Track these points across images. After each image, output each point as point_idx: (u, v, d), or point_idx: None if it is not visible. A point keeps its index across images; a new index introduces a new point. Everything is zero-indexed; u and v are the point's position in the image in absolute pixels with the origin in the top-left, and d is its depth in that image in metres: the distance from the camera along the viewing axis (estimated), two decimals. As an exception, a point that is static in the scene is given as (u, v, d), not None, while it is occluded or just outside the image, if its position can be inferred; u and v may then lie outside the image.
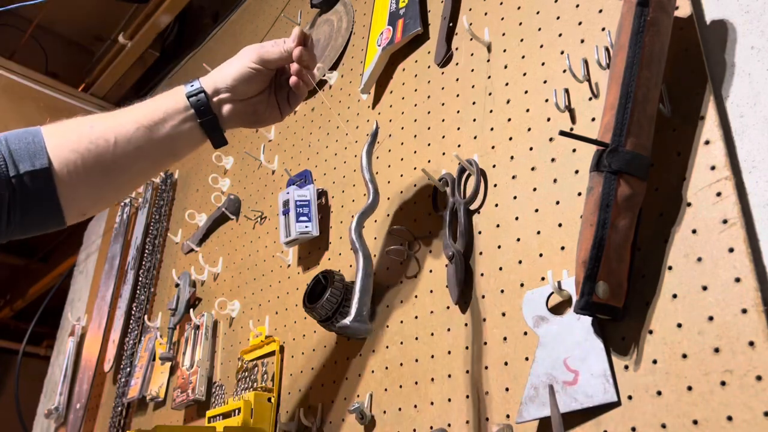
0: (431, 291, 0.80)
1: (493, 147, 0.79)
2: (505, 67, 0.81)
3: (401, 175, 0.92)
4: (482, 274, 0.74)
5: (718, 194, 0.55)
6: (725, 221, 0.54)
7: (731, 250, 0.53)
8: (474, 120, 0.83)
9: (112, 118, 0.76)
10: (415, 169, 0.90)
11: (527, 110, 0.76)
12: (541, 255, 0.68)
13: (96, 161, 0.73)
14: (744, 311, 0.51)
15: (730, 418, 0.49)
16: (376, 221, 0.93)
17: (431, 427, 0.74)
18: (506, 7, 0.84)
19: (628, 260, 0.57)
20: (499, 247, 0.73)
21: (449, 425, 0.72)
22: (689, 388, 0.53)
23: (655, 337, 0.56)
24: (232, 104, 0.78)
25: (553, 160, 0.71)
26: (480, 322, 0.72)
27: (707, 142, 0.58)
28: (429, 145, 0.89)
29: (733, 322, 0.51)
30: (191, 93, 0.77)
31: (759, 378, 0.49)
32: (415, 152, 0.91)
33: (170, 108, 0.76)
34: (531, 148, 0.74)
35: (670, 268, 0.57)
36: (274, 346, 1.01)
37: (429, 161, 0.88)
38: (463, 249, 0.76)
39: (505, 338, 0.69)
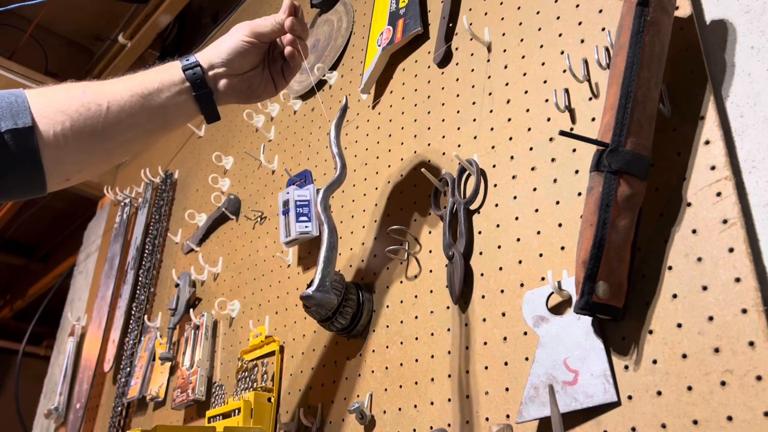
0: (431, 291, 0.80)
1: (493, 147, 0.79)
2: (505, 67, 0.81)
3: (401, 175, 0.92)
4: (482, 274, 0.74)
5: (718, 194, 0.55)
6: (725, 221, 0.54)
7: (731, 250, 0.53)
8: (474, 120, 0.83)
9: (105, 85, 0.75)
10: (415, 169, 0.90)
11: (527, 110, 0.76)
12: (541, 255, 0.68)
13: (86, 125, 0.72)
14: (744, 311, 0.51)
15: (730, 418, 0.49)
16: (376, 221, 0.93)
17: (431, 427, 0.74)
18: (506, 7, 0.84)
19: (628, 260, 0.57)
20: (499, 247, 0.73)
21: (449, 425, 0.72)
22: (689, 388, 0.53)
23: (655, 337, 0.56)
24: (227, 79, 0.79)
25: (553, 160, 0.71)
26: (480, 322, 0.72)
27: (707, 142, 0.58)
28: (429, 145, 0.89)
29: (733, 322, 0.51)
30: (187, 66, 0.78)
31: (759, 378, 0.49)
32: (415, 152, 0.91)
33: (165, 79, 0.76)
34: (531, 148, 0.74)
35: (670, 268, 0.57)
36: (274, 346, 1.01)
37: (429, 161, 0.88)
38: (463, 249, 0.76)
39: (505, 338, 0.69)
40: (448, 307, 0.77)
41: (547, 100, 0.74)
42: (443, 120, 0.88)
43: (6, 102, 0.69)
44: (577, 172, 0.68)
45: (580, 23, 0.73)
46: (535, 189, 0.72)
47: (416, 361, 0.79)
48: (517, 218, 0.73)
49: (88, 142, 0.73)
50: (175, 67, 0.78)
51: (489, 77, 0.83)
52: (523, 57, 0.79)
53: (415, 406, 0.76)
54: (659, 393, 0.54)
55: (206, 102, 0.78)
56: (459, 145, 0.84)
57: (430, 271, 0.81)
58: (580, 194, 0.67)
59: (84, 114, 0.72)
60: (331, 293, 0.75)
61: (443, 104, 0.89)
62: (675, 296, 0.56)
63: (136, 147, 0.80)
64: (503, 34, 0.83)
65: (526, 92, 0.77)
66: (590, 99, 0.69)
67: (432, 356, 0.77)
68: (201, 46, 1.76)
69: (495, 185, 0.77)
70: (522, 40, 0.80)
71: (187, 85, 0.77)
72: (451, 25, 0.92)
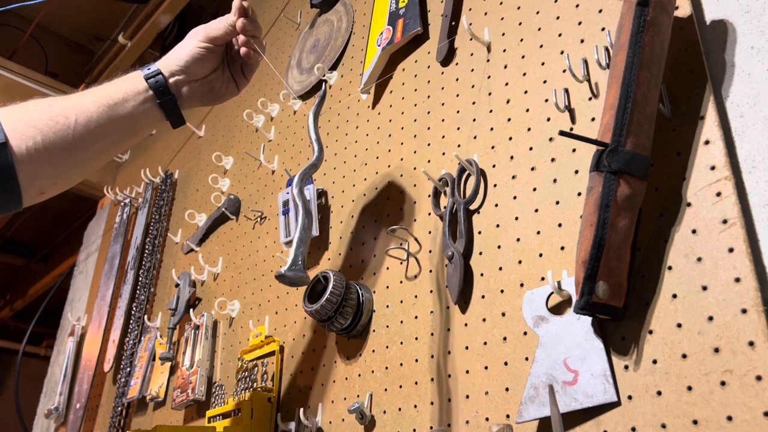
0: (431, 291, 0.80)
1: (493, 147, 0.79)
2: (505, 67, 0.81)
3: (401, 175, 0.92)
4: (482, 274, 0.74)
5: (718, 194, 0.55)
6: (725, 221, 0.54)
7: (731, 250, 0.53)
8: (474, 120, 0.83)
9: (72, 98, 0.77)
10: (415, 169, 0.90)
11: (527, 110, 0.76)
12: (541, 255, 0.68)
13: (56, 138, 0.73)
14: (744, 311, 0.51)
15: (730, 418, 0.49)
16: (375, 221, 0.93)
17: (431, 427, 0.74)
18: (506, 7, 0.84)
19: (628, 260, 0.57)
20: (499, 247, 0.73)
21: (449, 425, 0.72)
22: (689, 388, 0.53)
23: (655, 337, 0.56)
24: (188, 85, 0.82)
25: (553, 160, 0.71)
26: (480, 322, 0.72)
27: (707, 142, 0.58)
28: (429, 145, 0.89)
29: (733, 322, 0.51)
30: (149, 75, 0.80)
31: (759, 378, 0.49)
32: (415, 152, 0.91)
33: (130, 89, 0.79)
34: (531, 148, 0.74)
35: (670, 268, 0.57)
36: (274, 346, 1.01)
37: (429, 161, 0.88)
38: (463, 249, 0.76)
39: (505, 338, 0.69)
40: (448, 307, 0.77)
41: (546, 100, 0.74)
42: (443, 120, 0.88)
43: None
44: (576, 172, 0.68)
45: (580, 23, 0.73)
46: (535, 189, 0.72)
47: (416, 361, 0.79)
48: (516, 218, 0.73)
49: (60, 155, 0.74)
50: (138, 76, 0.80)
51: (489, 77, 0.83)
52: (523, 57, 0.79)
53: (415, 406, 0.76)
54: (659, 393, 0.54)
55: (170, 108, 0.81)
56: (459, 145, 0.84)
57: (430, 271, 0.81)
58: (580, 194, 0.67)
59: (53, 127, 0.73)
60: (303, 272, 0.78)
61: (443, 104, 0.89)
62: (675, 296, 0.56)
63: (107, 156, 0.82)
64: (503, 34, 0.83)
65: (525, 92, 0.77)
66: (590, 99, 0.69)
67: (432, 356, 0.77)
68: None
69: (495, 185, 0.77)
70: (522, 40, 0.80)
71: (151, 93, 0.79)
72: (453, 23, 0.92)
